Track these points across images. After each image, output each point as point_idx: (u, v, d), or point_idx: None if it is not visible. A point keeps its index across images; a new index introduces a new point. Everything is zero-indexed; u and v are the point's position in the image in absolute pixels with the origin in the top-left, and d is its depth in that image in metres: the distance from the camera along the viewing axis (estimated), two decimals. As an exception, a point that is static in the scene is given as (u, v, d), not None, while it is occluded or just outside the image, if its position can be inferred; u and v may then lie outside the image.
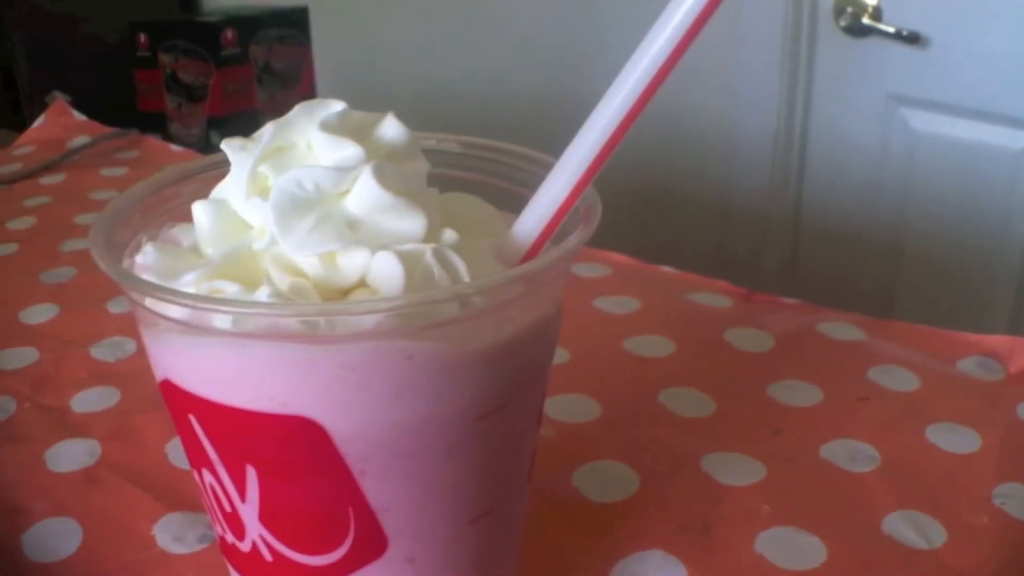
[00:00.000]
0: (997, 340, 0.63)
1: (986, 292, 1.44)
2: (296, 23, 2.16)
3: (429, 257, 0.31)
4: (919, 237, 1.49)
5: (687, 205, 1.75)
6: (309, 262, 0.31)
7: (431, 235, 0.32)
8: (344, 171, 0.32)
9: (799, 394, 0.59)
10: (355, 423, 0.30)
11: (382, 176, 0.32)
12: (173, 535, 0.49)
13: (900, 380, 0.60)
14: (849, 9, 1.44)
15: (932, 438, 0.55)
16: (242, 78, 2.07)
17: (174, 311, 0.30)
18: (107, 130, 1.10)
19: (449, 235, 0.33)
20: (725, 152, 1.67)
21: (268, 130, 0.34)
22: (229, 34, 2.00)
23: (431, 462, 0.32)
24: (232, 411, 0.30)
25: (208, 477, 0.34)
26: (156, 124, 2.04)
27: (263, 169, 0.33)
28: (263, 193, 0.33)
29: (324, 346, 0.29)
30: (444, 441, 0.31)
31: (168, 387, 0.33)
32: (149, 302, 0.30)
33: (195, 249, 0.35)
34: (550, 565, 0.46)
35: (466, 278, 0.31)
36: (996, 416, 0.57)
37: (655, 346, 0.64)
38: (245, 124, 2.05)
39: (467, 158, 0.39)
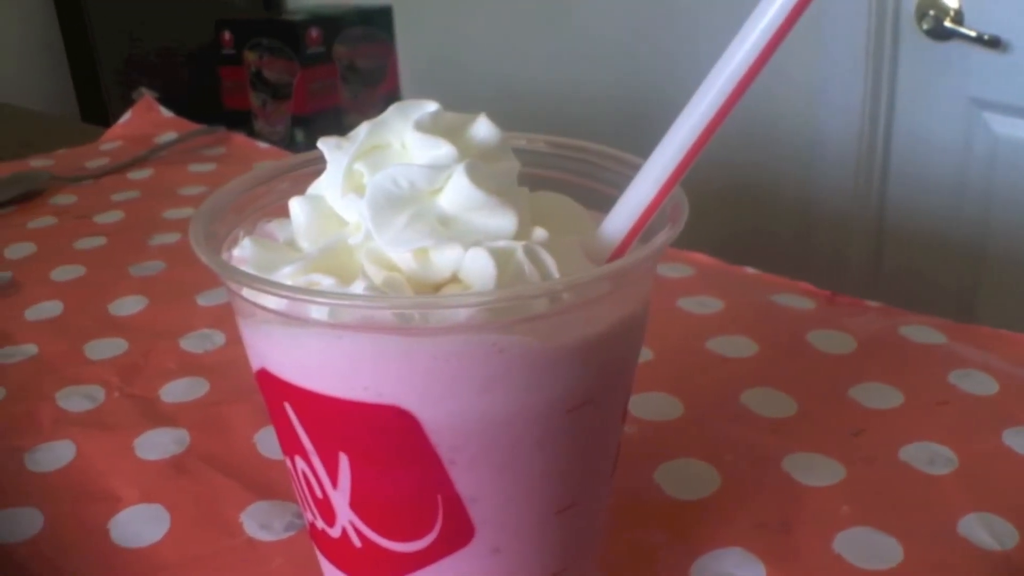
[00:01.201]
0: (1079, 346, 0.63)
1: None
2: (380, 22, 2.18)
3: (520, 254, 0.32)
4: (1001, 240, 1.48)
5: (770, 207, 1.74)
6: (403, 257, 0.32)
7: (522, 232, 0.33)
8: (438, 169, 0.33)
9: (880, 396, 0.59)
10: (446, 413, 0.31)
11: (475, 174, 0.33)
12: (260, 523, 0.50)
13: (979, 384, 0.60)
14: (931, 12, 1.43)
15: (1008, 442, 0.55)
16: (326, 76, 2.09)
17: (273, 302, 0.31)
18: (194, 126, 1.12)
19: (539, 232, 0.33)
20: (808, 154, 1.66)
21: (363, 129, 0.35)
22: (314, 33, 2.03)
23: (519, 453, 0.32)
24: (327, 400, 0.31)
25: (301, 464, 0.35)
26: (241, 121, 2.07)
27: (358, 167, 0.34)
28: (358, 190, 0.34)
29: (419, 338, 0.30)
30: (532, 433, 0.32)
31: (264, 376, 0.34)
32: (249, 293, 0.31)
33: (291, 243, 0.36)
34: (631, 561, 0.47)
35: (556, 274, 0.32)
36: (1073, 421, 0.56)
37: (737, 346, 0.65)
38: (329, 122, 2.08)
39: (555, 158, 0.40)
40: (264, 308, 0.31)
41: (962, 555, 0.47)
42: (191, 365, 0.65)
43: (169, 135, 1.11)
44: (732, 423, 0.57)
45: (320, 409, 0.32)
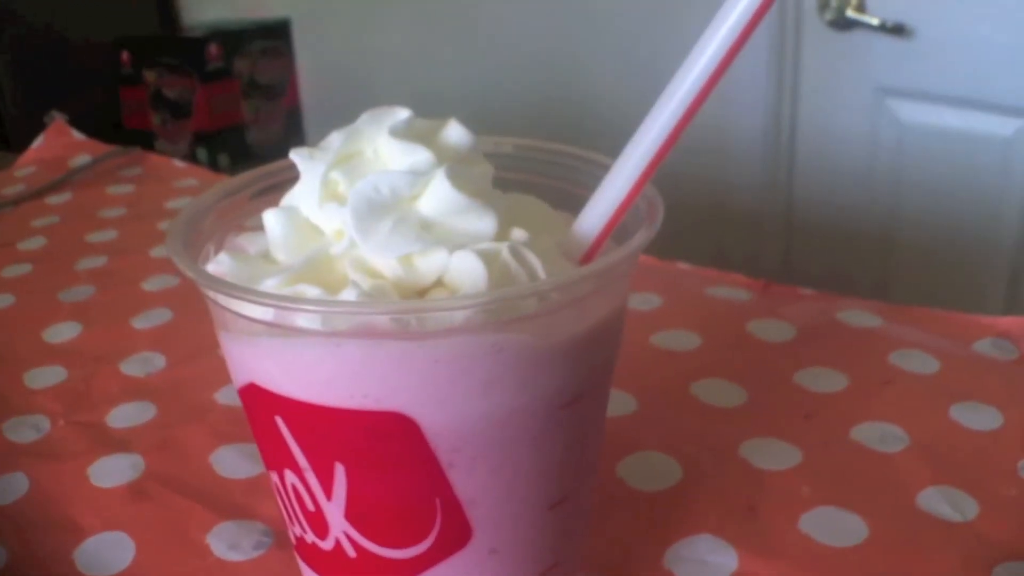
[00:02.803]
0: (1010, 321, 0.65)
1: (980, 279, 1.46)
2: (279, 36, 2.16)
3: (506, 254, 0.32)
4: (912, 227, 1.51)
5: (679, 203, 1.76)
6: (388, 264, 0.32)
7: (501, 234, 0.34)
8: (418, 175, 0.33)
9: (825, 380, 0.60)
10: (446, 416, 0.31)
11: (456, 178, 0.33)
12: (228, 543, 0.49)
13: (921, 363, 0.62)
14: (833, 3, 1.46)
15: (956, 417, 0.56)
16: (227, 92, 2.07)
17: (268, 314, 0.31)
18: (108, 148, 1.10)
19: (519, 233, 0.34)
20: (716, 150, 1.68)
21: (336, 138, 0.35)
22: (213, 49, 2.01)
23: (516, 451, 0.33)
24: (324, 410, 0.31)
25: (291, 478, 0.35)
26: (142, 141, 2.04)
27: (334, 175, 0.34)
28: (336, 199, 0.34)
29: (418, 342, 0.30)
30: (528, 430, 0.32)
31: (253, 390, 0.34)
32: (241, 306, 0.31)
33: (265, 256, 0.36)
34: (605, 552, 0.47)
35: (542, 274, 0.32)
36: (1015, 394, 0.58)
37: (681, 340, 0.66)
38: (232, 139, 2.06)
39: (522, 160, 0.40)
40: (256, 320, 0.31)
41: (926, 528, 0.48)
42: (135, 389, 0.64)
43: (83, 158, 1.09)
44: (686, 415, 0.58)
45: (316, 420, 0.32)
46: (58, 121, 1.16)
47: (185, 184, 1.02)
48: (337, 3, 2.16)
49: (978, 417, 0.56)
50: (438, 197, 0.33)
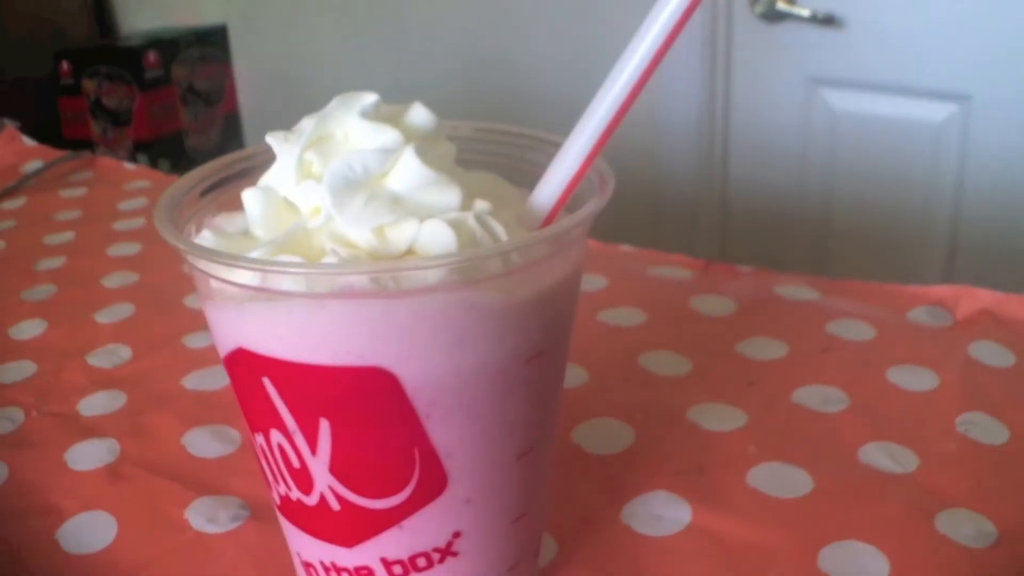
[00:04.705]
0: (943, 290, 0.69)
1: (914, 263, 1.50)
2: (216, 42, 2.17)
3: (472, 222, 0.35)
4: (846, 213, 1.54)
5: (616, 198, 1.79)
6: (363, 235, 0.35)
7: (466, 206, 0.37)
8: (387, 152, 0.36)
9: (766, 349, 0.64)
10: (423, 369, 0.34)
11: (423, 155, 0.36)
12: (206, 517, 0.52)
13: (857, 331, 0.66)
14: (764, -5, 1.49)
15: (893, 379, 0.60)
16: (166, 100, 2.08)
17: (252, 279, 0.33)
18: (60, 154, 1.12)
19: (481, 204, 0.37)
20: (651, 145, 1.72)
21: (308, 123, 0.38)
22: (152, 57, 2.02)
23: (487, 403, 0.36)
24: (310, 368, 0.34)
25: (276, 437, 0.37)
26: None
27: (309, 156, 0.37)
28: (312, 177, 0.37)
29: (396, 301, 0.33)
30: (497, 384, 0.35)
31: (240, 355, 0.36)
32: (231, 273, 0.34)
33: (245, 233, 0.39)
34: (566, 511, 0.50)
35: (505, 239, 0.35)
36: (951, 357, 0.62)
37: (628, 316, 0.69)
38: (171, 146, 2.07)
39: (480, 142, 0.43)
40: (245, 287, 0.34)
41: (869, 479, 0.52)
42: (104, 380, 0.66)
43: (35, 163, 1.10)
44: (635, 384, 0.61)
45: (302, 378, 0.35)
46: (9, 128, 1.18)
47: (136, 186, 1.04)
48: (271, 9, 2.17)
49: (915, 379, 0.60)
50: (407, 173, 0.36)
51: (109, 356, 0.69)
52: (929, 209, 1.47)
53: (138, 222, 0.94)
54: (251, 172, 0.42)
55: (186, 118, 2.14)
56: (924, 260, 1.50)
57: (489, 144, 0.43)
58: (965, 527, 0.48)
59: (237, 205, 0.39)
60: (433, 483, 0.37)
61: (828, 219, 1.57)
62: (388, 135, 0.37)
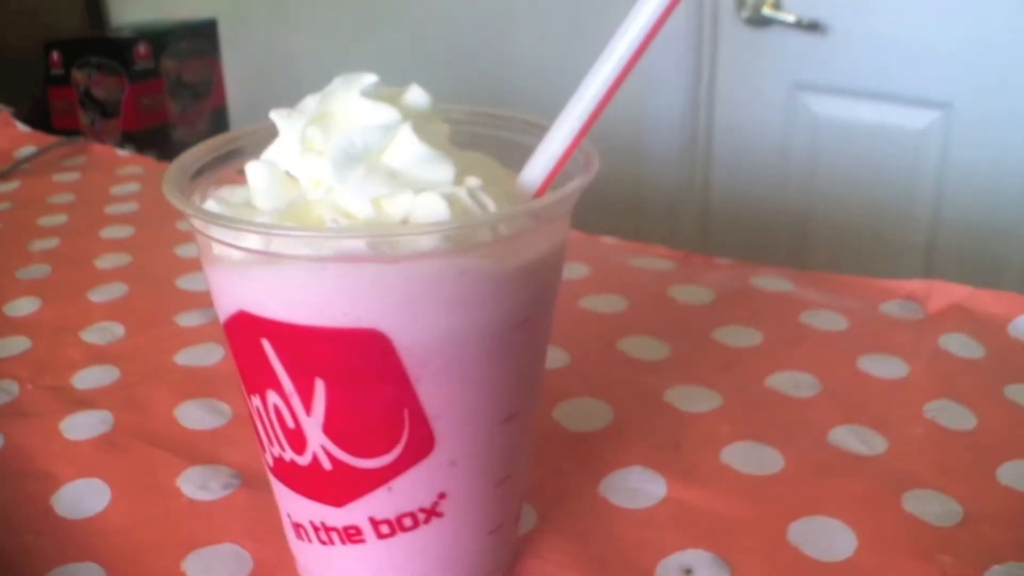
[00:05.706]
0: (915, 284, 0.71)
1: (893, 268, 1.52)
2: (205, 36, 2.19)
3: (464, 195, 0.37)
4: (826, 218, 1.56)
5: (598, 197, 1.81)
6: (362, 207, 0.37)
7: (459, 182, 0.39)
8: (386, 129, 0.38)
9: (742, 337, 0.66)
10: (415, 332, 0.36)
11: (419, 132, 0.38)
12: (198, 485, 0.54)
13: (830, 322, 0.68)
14: (749, 1, 1.51)
15: (864, 367, 0.62)
16: (155, 92, 2.09)
17: (257, 242, 0.35)
18: (54, 139, 1.13)
19: (473, 180, 0.39)
20: (634, 146, 1.73)
21: (311, 101, 0.40)
22: (142, 48, 2.03)
23: (475, 366, 0.38)
24: (308, 330, 0.36)
25: (273, 398, 0.39)
26: (71, 141, 2.05)
27: (311, 132, 0.39)
28: (313, 151, 0.39)
29: (392, 265, 0.35)
30: (486, 347, 0.38)
31: (241, 318, 0.38)
32: (238, 236, 0.36)
33: (247, 204, 0.41)
34: (546, 484, 0.52)
35: (494, 211, 0.37)
36: (920, 347, 0.64)
37: (608, 303, 0.71)
38: (159, 138, 2.08)
39: (473, 124, 0.46)
40: (249, 250, 0.36)
41: (838, 460, 0.54)
42: (98, 355, 0.68)
43: (29, 148, 1.12)
44: (614, 366, 0.63)
45: (300, 340, 0.37)
46: (3, 113, 1.19)
47: (129, 171, 1.06)
48: (261, 4, 2.19)
49: (885, 367, 0.62)
50: (404, 149, 0.38)
51: (103, 333, 0.71)
52: (908, 215, 1.49)
53: (131, 206, 0.96)
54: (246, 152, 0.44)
55: (174, 110, 2.15)
56: (902, 264, 1.52)
57: (481, 126, 0.45)
58: (932, 506, 0.50)
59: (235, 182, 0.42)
60: (421, 444, 0.39)
61: (808, 222, 1.59)
62: (387, 113, 0.39)
